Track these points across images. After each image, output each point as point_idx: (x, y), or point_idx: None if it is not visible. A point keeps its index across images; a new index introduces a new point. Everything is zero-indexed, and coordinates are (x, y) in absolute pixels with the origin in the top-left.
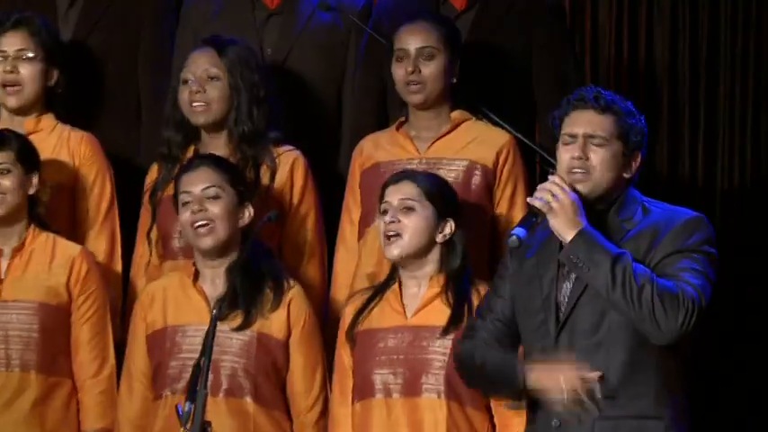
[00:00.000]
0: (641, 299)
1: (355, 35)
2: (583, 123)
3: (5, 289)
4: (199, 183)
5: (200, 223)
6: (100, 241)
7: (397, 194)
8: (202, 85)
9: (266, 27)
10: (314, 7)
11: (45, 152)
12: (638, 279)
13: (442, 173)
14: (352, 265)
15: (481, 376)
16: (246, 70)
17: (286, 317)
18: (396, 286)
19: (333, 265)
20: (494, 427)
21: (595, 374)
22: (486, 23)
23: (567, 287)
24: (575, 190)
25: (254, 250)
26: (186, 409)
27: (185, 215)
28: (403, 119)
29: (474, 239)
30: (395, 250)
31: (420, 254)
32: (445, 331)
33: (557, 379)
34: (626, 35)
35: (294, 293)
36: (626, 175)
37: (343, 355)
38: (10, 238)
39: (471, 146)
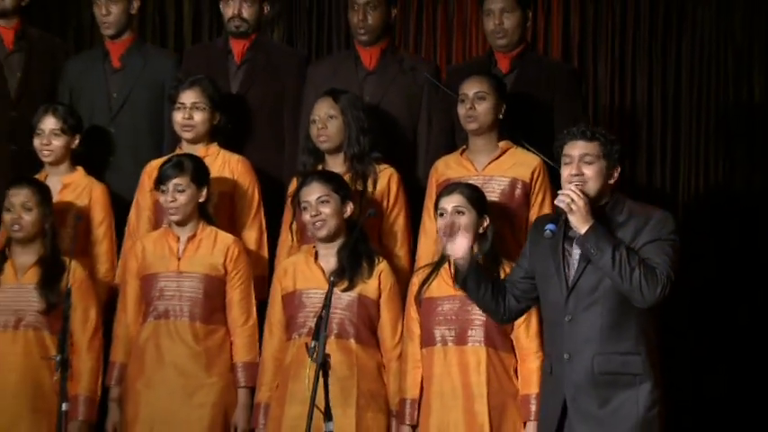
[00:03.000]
0: (632, 277)
1: (427, 87)
2: (576, 148)
3: (182, 264)
4: (313, 193)
5: (317, 222)
6: (252, 232)
7: (449, 203)
8: (324, 122)
9: (365, 82)
10: (399, 68)
11: (212, 171)
12: (630, 262)
13: (494, 185)
14: (431, 249)
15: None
16: (354, 110)
17: (377, 283)
18: (446, 265)
19: (417, 249)
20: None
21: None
22: (523, 82)
23: (573, 261)
24: (585, 195)
25: (356, 236)
26: (312, 345)
27: (306, 217)
28: (465, 146)
29: (515, 232)
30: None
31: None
32: None
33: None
34: (617, 87)
35: (382, 267)
36: (611, 182)
37: (411, 311)
38: (186, 230)
39: (514, 167)
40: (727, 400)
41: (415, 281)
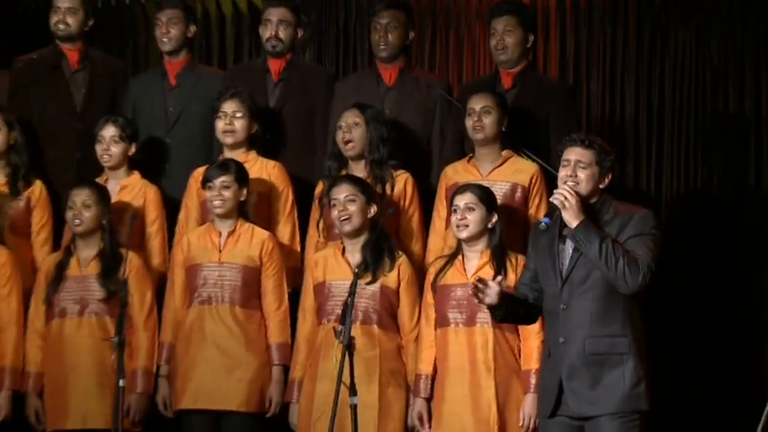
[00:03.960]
0: (617, 266)
1: (440, 102)
2: (574, 154)
3: (223, 255)
4: (341, 193)
5: (343, 218)
6: (286, 228)
7: (462, 200)
8: (350, 128)
9: (386, 97)
10: (415, 85)
11: (251, 175)
12: (615, 253)
13: (497, 189)
14: (440, 244)
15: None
16: (377, 122)
17: (397, 274)
18: (460, 257)
19: (427, 244)
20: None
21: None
22: (524, 97)
23: (566, 256)
24: (578, 194)
25: (378, 234)
26: (339, 329)
27: (334, 213)
28: (471, 154)
29: (516, 228)
30: (463, 233)
31: (478, 236)
32: None
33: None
34: (608, 101)
35: (402, 260)
36: (601, 186)
37: (428, 296)
38: (227, 226)
39: (514, 173)
40: (706, 401)
41: (432, 270)
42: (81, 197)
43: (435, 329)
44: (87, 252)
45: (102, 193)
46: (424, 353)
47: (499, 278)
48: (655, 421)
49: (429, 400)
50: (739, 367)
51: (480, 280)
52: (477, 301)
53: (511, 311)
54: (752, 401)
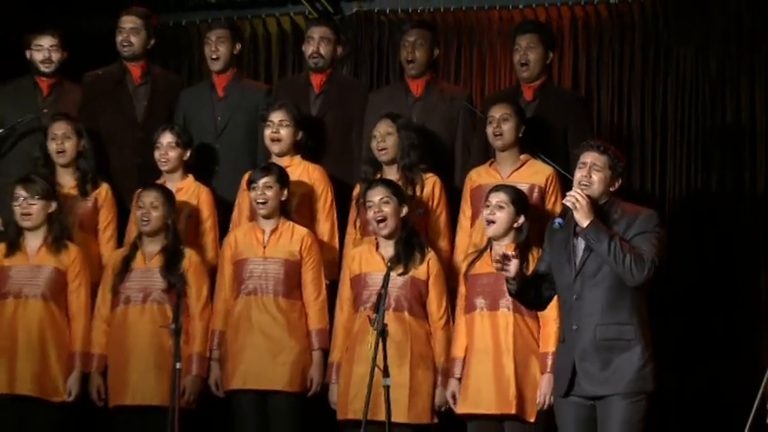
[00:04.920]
0: (624, 262)
1: (462, 112)
2: (590, 157)
3: (267, 251)
4: (377, 195)
5: (378, 219)
6: (325, 225)
7: (495, 198)
8: (383, 138)
9: (414, 107)
10: (440, 97)
11: (294, 177)
12: (623, 250)
13: None
14: (466, 241)
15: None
16: (407, 130)
17: (426, 268)
18: (488, 250)
19: (455, 241)
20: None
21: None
22: (544, 108)
23: (579, 251)
24: (588, 197)
25: (409, 231)
26: (374, 317)
27: (370, 214)
28: (493, 159)
29: (534, 224)
30: (491, 232)
31: (504, 233)
32: None
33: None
34: (616, 110)
35: (431, 256)
36: (612, 189)
37: (462, 288)
38: (270, 224)
39: (532, 175)
40: (706, 401)
41: (464, 264)
42: (150, 198)
43: (465, 314)
44: (152, 247)
45: (168, 196)
46: (458, 339)
47: (515, 255)
48: (655, 421)
49: (461, 379)
50: (738, 368)
51: (504, 255)
52: (498, 269)
53: (524, 288)
54: (750, 402)
